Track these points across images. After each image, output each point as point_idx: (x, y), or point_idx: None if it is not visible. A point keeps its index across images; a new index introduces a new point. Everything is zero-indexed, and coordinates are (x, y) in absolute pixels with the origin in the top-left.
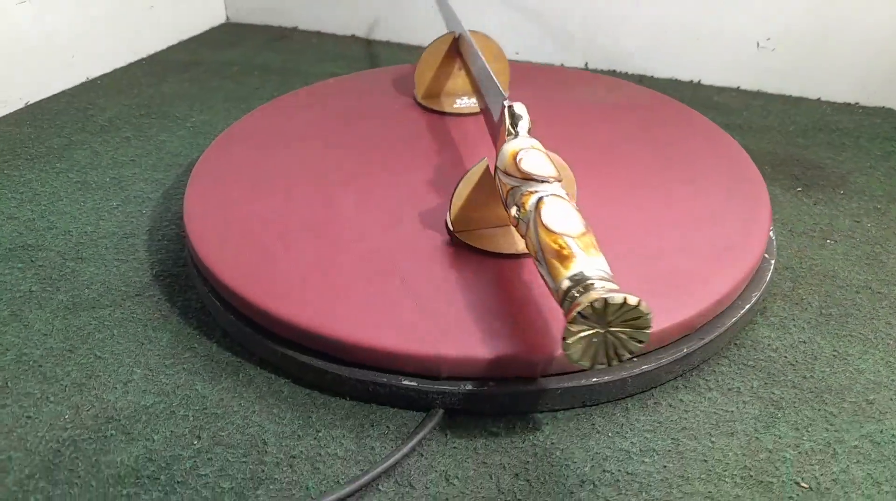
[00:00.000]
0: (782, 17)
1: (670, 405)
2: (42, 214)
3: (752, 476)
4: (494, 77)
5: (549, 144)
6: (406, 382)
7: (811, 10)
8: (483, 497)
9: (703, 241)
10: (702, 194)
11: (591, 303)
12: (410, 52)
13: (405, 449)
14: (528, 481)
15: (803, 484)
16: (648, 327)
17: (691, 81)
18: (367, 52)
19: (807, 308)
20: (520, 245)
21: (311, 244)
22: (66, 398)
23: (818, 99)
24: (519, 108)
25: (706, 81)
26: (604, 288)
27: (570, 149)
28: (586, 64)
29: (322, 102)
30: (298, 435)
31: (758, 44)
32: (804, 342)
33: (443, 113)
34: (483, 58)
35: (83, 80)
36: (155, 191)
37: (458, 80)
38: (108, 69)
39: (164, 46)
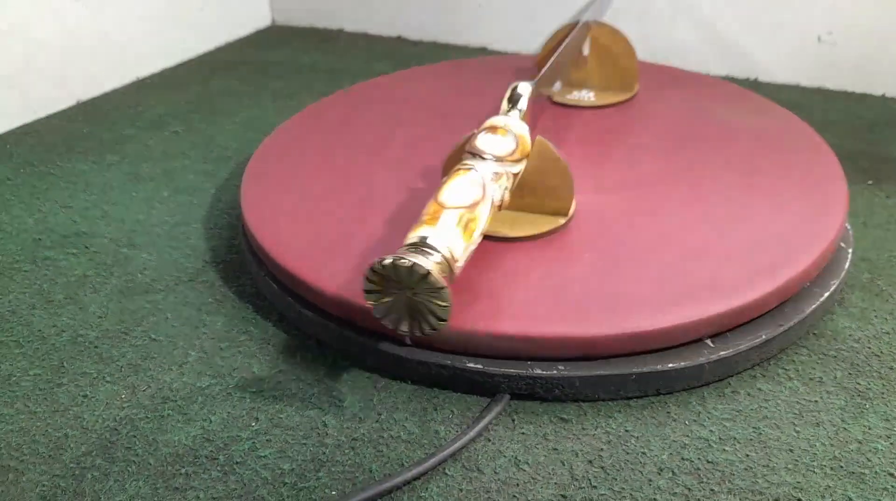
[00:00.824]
0: (845, 10)
1: (749, 394)
2: (95, 203)
3: (842, 466)
4: (554, 61)
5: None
6: (471, 364)
7: (876, 2)
8: (556, 483)
9: (780, 225)
10: (782, 180)
11: (381, 261)
12: (458, 52)
13: (472, 433)
14: (602, 468)
15: None
16: (447, 303)
17: (748, 79)
18: (415, 52)
19: (888, 299)
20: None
21: (372, 225)
22: (122, 379)
23: (883, 95)
24: (523, 88)
25: (763, 78)
26: (416, 256)
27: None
28: None
29: (398, 90)
30: (360, 418)
31: (819, 38)
32: (888, 333)
33: (556, 103)
34: (573, 45)
35: (133, 79)
36: (205, 182)
37: (577, 71)
38: (156, 69)
39: (211, 47)
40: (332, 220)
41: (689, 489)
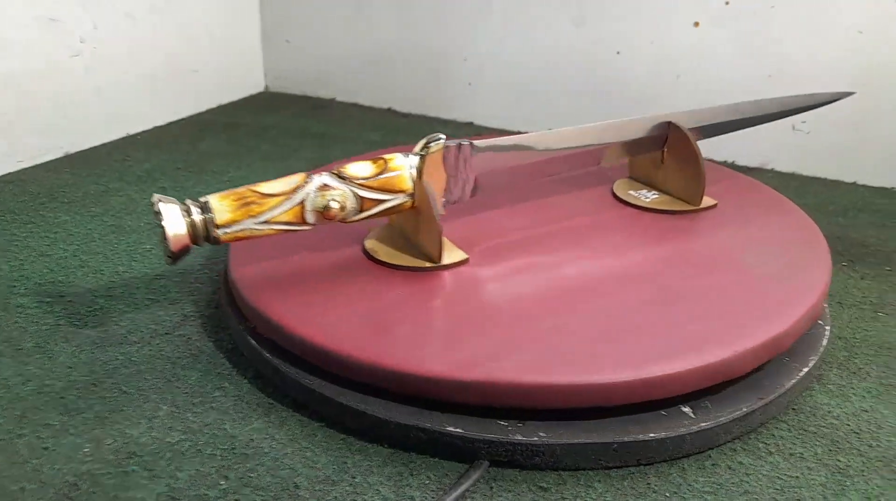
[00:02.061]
0: None
1: (729, 468)
2: (74, 253)
3: None
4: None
5: None
6: (450, 428)
7: (849, 98)
8: None
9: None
10: (767, 252)
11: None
12: (446, 126)
13: (448, 500)
14: None
15: None
16: (167, 244)
17: (725, 162)
18: (405, 124)
19: (865, 378)
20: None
21: (360, 282)
22: (87, 431)
23: (854, 182)
24: (435, 141)
25: (741, 162)
26: (171, 204)
27: None
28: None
29: None
30: (333, 480)
31: (793, 126)
32: (866, 411)
33: (616, 196)
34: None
35: (123, 134)
36: None
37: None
38: (147, 126)
39: (203, 109)
40: (318, 277)
41: None
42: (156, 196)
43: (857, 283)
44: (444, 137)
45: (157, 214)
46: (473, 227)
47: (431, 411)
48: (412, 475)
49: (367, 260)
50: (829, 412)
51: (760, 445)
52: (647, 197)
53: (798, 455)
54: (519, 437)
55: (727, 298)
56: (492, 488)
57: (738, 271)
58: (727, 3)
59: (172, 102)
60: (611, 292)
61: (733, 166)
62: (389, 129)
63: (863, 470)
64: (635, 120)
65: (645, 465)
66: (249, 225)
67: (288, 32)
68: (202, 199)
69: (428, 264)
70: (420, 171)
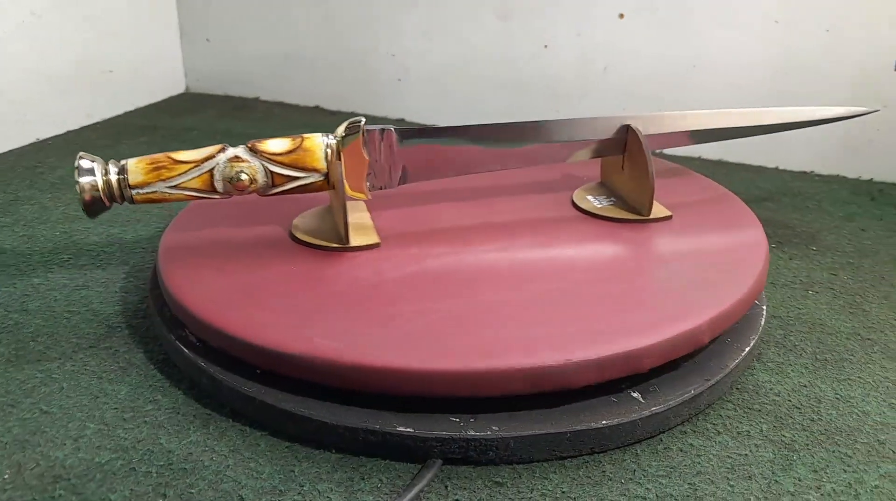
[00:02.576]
0: (740, 90)
1: (681, 450)
2: None
3: None
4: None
5: None
6: (401, 428)
7: (766, 82)
8: None
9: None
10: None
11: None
12: (376, 123)
13: None
14: None
15: None
16: (80, 196)
17: (653, 152)
18: (333, 122)
19: (801, 354)
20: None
21: (297, 283)
22: (6, 457)
23: (776, 167)
24: (354, 124)
25: (669, 150)
26: (89, 161)
27: None
28: None
29: None
30: (280, 490)
31: None
32: (805, 386)
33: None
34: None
35: (33, 140)
36: (110, 245)
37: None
38: (60, 131)
39: (120, 112)
40: (256, 279)
41: None
42: (81, 153)
43: (787, 264)
44: (363, 120)
45: (77, 168)
46: (407, 215)
47: (380, 410)
48: (363, 479)
49: (291, 240)
50: (770, 389)
51: (709, 425)
52: (602, 203)
53: (745, 433)
54: (472, 432)
55: (658, 292)
56: (447, 487)
57: (667, 276)
58: None
59: (86, 105)
60: (522, 283)
61: (660, 155)
62: (316, 127)
63: (808, 444)
64: (588, 120)
65: (599, 453)
66: (161, 188)
67: (208, 30)
68: (122, 161)
69: (335, 245)
70: (338, 152)
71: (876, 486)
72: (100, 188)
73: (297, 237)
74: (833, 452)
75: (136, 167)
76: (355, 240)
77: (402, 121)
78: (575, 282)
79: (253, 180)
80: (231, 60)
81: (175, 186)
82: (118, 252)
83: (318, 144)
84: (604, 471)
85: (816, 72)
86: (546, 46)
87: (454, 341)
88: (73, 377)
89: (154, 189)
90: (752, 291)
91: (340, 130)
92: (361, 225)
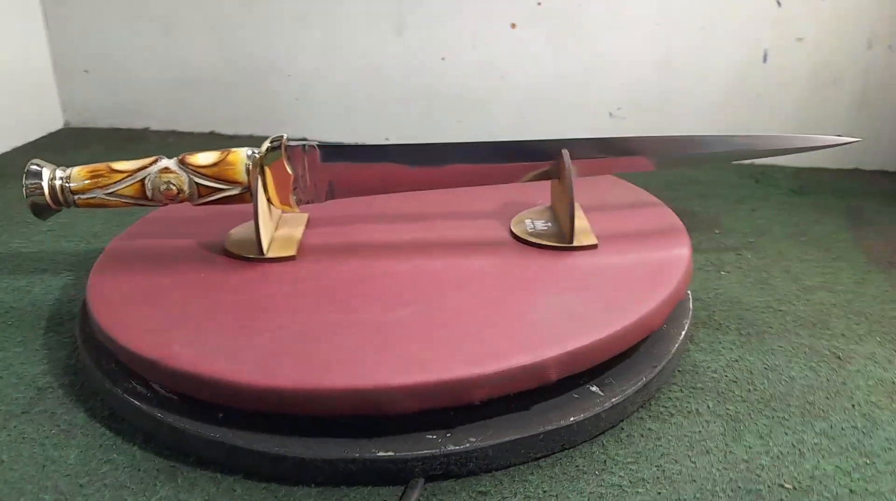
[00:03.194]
0: (630, 90)
1: (643, 435)
2: None
3: (740, 486)
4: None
5: None
6: (381, 453)
7: (653, 80)
8: None
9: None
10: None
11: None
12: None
13: None
14: None
15: (787, 485)
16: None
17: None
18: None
19: (727, 332)
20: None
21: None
22: None
23: None
24: (275, 141)
25: None
26: (38, 167)
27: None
28: (386, 138)
29: None
30: None
31: (610, 114)
32: (736, 361)
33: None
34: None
35: None
36: (19, 300)
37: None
38: None
39: None
40: (196, 314)
41: None
42: (33, 160)
43: (697, 247)
44: (285, 136)
45: (25, 172)
46: (341, 232)
47: (356, 438)
48: None
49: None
50: (707, 367)
51: (662, 409)
52: (537, 228)
53: (695, 411)
54: (451, 447)
55: (519, 324)
56: None
57: (545, 307)
58: (539, 4)
59: None
60: (401, 305)
61: None
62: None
63: (750, 413)
64: (524, 142)
65: (569, 448)
66: (99, 195)
67: (85, 61)
68: (68, 170)
69: (251, 256)
70: (260, 166)
71: (815, 443)
72: (46, 192)
73: (225, 248)
74: (773, 418)
75: (79, 175)
76: (272, 252)
77: (304, 140)
78: (451, 306)
79: (180, 191)
80: (115, 91)
81: (112, 194)
82: (29, 306)
83: (241, 158)
84: (577, 466)
85: (695, 67)
86: (443, 59)
87: (293, 358)
88: (13, 447)
89: (93, 195)
90: (627, 331)
91: (265, 145)
92: (287, 238)
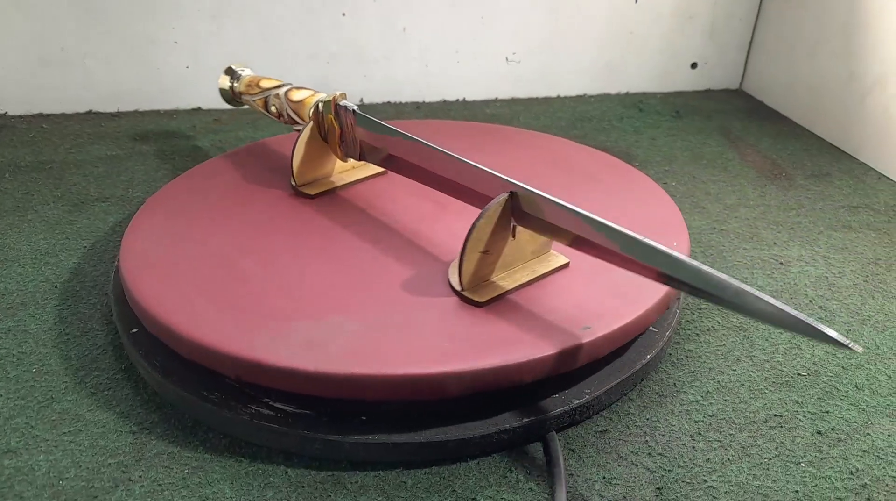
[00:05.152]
0: (523, 34)
1: (687, 357)
2: None
3: (774, 382)
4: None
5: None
6: (525, 419)
7: (542, 25)
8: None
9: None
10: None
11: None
12: (166, 117)
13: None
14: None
15: (803, 374)
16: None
17: (457, 100)
18: (116, 126)
19: (695, 256)
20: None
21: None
22: None
23: (558, 96)
24: (328, 95)
25: (469, 97)
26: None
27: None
28: (361, 99)
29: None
30: None
31: (507, 58)
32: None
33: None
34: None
35: None
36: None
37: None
38: None
39: None
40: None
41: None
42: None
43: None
44: (337, 93)
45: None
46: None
47: (500, 414)
48: (515, 470)
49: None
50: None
51: (689, 330)
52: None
53: (711, 328)
54: (575, 401)
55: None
56: (567, 446)
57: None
58: None
59: None
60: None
61: (465, 103)
62: (98, 136)
63: (748, 321)
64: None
65: (646, 381)
66: (249, 100)
67: None
68: (246, 75)
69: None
70: (324, 113)
71: (805, 339)
72: (228, 87)
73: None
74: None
75: (243, 80)
76: (307, 188)
77: (198, 110)
78: None
79: (281, 114)
80: None
81: (252, 100)
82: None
83: (312, 102)
84: (657, 392)
85: (578, 10)
86: (344, 14)
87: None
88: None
89: (247, 98)
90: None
91: (326, 98)
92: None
